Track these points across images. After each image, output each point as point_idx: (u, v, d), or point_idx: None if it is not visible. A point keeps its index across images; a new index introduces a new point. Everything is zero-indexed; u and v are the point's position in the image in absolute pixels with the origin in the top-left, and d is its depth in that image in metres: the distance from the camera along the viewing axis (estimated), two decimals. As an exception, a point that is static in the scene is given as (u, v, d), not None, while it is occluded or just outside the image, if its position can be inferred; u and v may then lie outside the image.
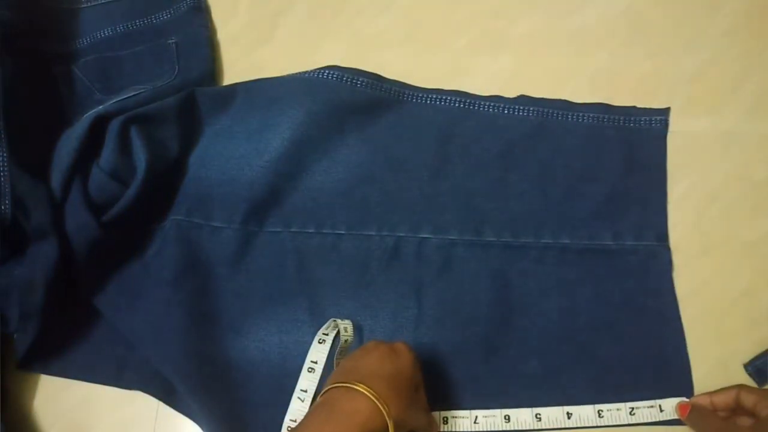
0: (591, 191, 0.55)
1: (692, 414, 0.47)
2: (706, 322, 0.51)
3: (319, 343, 0.49)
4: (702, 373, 0.50)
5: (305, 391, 0.48)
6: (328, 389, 0.41)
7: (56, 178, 0.53)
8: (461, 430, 0.50)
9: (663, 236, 0.54)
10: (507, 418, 0.50)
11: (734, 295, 0.52)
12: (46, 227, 0.51)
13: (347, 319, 0.51)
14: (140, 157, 0.54)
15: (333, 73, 0.56)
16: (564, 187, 0.55)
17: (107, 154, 0.54)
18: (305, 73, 0.58)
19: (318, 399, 0.42)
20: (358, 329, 0.54)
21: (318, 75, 0.57)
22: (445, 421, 0.50)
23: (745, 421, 0.45)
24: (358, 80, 0.57)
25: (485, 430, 0.50)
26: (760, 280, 0.52)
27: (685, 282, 0.53)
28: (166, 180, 0.57)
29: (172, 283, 0.54)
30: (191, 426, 0.54)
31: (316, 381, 0.48)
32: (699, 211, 0.54)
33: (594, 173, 0.55)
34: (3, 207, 0.51)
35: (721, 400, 0.47)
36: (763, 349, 0.50)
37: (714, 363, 0.50)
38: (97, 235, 0.53)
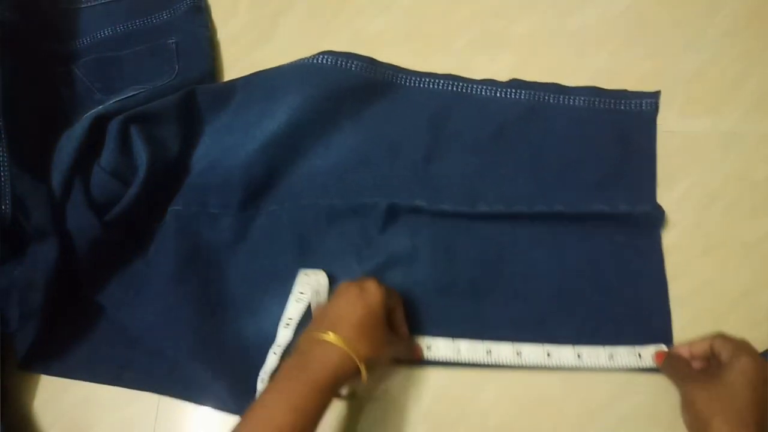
0: (582, 173, 0.56)
1: (667, 361, 0.49)
2: (706, 322, 0.51)
3: (297, 302, 0.52)
4: (702, 373, 0.50)
5: (279, 346, 0.51)
6: (301, 339, 0.44)
7: (57, 179, 0.53)
8: (444, 357, 0.52)
9: (656, 207, 0.54)
10: (489, 352, 0.51)
11: (734, 295, 0.52)
12: (46, 227, 0.51)
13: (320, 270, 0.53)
14: (141, 155, 0.54)
15: (327, 58, 0.56)
16: (556, 168, 0.56)
17: (108, 154, 0.54)
18: (300, 60, 0.58)
19: (293, 350, 0.44)
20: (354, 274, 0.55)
21: (313, 61, 0.57)
22: (429, 348, 0.52)
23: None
24: (353, 64, 0.57)
25: (467, 360, 0.51)
26: (760, 280, 0.52)
27: (685, 282, 0.53)
28: (168, 178, 0.58)
29: (177, 275, 0.54)
30: (191, 426, 0.54)
31: (290, 335, 0.51)
32: (699, 211, 0.54)
33: (585, 155, 0.56)
34: (3, 207, 0.51)
35: (698, 348, 0.48)
36: (763, 349, 0.50)
37: (714, 363, 0.50)
38: (100, 234, 0.53)
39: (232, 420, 0.53)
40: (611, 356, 0.50)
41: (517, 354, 0.51)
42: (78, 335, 0.56)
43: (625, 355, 0.50)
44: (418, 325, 0.53)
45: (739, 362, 0.44)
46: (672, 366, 0.48)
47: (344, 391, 0.48)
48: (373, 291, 0.46)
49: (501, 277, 0.54)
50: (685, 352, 0.49)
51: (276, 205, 0.58)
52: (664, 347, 0.50)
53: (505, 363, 0.51)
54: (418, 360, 0.52)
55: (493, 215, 0.55)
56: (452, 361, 0.51)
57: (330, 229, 0.57)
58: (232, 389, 0.51)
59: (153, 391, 0.55)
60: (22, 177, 0.51)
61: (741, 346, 0.46)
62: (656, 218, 0.54)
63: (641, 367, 0.50)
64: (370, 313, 0.45)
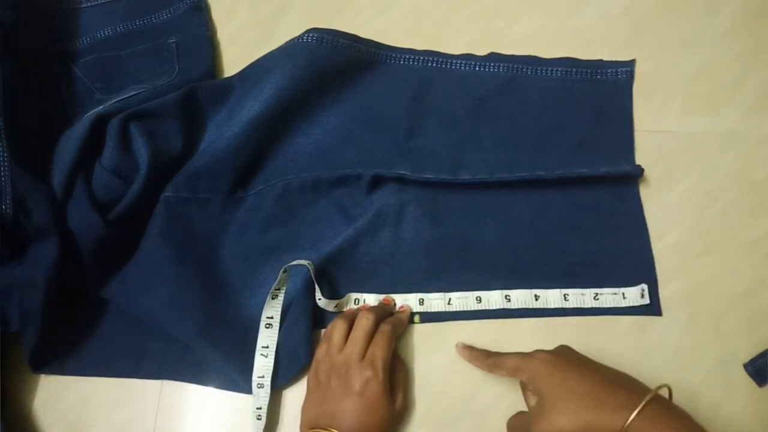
0: (562, 139, 0.57)
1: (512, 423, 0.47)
2: (706, 322, 0.51)
3: (273, 298, 0.53)
4: (702, 373, 0.50)
5: (267, 347, 0.52)
6: None
7: (58, 178, 0.53)
8: (436, 310, 0.53)
9: (635, 166, 0.55)
10: (478, 299, 0.53)
11: (734, 295, 0.52)
12: (47, 227, 0.51)
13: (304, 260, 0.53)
14: (141, 153, 0.54)
15: (313, 36, 0.57)
16: (535, 137, 0.58)
17: (109, 152, 0.54)
18: (288, 41, 0.58)
19: None
20: (350, 242, 0.56)
21: (299, 40, 0.57)
22: (421, 302, 0.54)
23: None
24: (338, 41, 0.58)
25: (458, 309, 0.53)
26: (760, 280, 0.52)
27: (685, 282, 0.53)
28: (172, 174, 0.58)
29: (176, 260, 0.54)
30: (191, 426, 0.54)
31: (275, 336, 0.52)
32: (699, 211, 0.54)
33: (564, 122, 0.58)
34: (4, 207, 0.51)
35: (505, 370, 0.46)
36: (763, 349, 0.50)
37: (714, 363, 0.50)
38: (104, 233, 0.53)
39: (230, 417, 0.53)
40: (596, 297, 0.52)
41: (506, 299, 0.53)
42: (91, 331, 0.56)
43: (609, 295, 0.52)
44: (408, 283, 0.54)
45: (534, 382, 0.42)
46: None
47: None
48: (374, 388, 0.46)
49: (487, 233, 0.56)
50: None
51: (263, 184, 0.59)
52: (645, 287, 0.52)
53: (494, 308, 0.53)
54: None
55: (475, 183, 0.56)
56: (444, 312, 0.53)
57: (316, 198, 0.58)
58: (241, 367, 0.52)
59: (168, 378, 0.55)
60: (22, 177, 0.51)
61: (519, 366, 0.44)
62: (635, 175, 0.55)
63: (625, 307, 0.52)
64: (374, 411, 0.46)
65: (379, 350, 0.47)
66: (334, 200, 0.58)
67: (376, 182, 0.57)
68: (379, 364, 0.47)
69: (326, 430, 0.45)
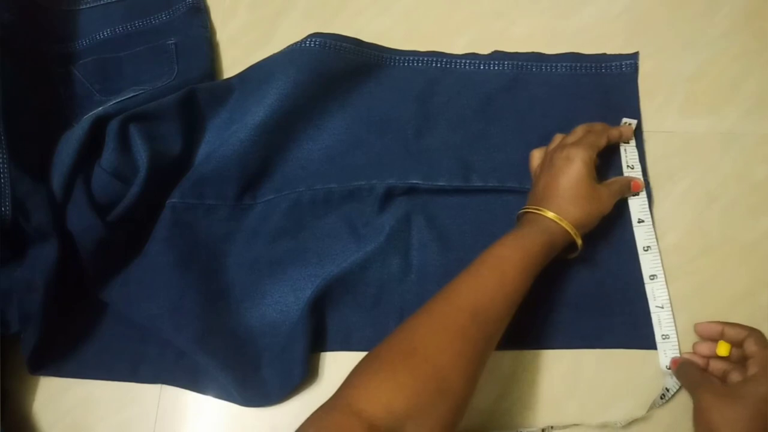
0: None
1: (681, 368, 0.48)
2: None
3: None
4: (702, 373, 0.50)
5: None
6: (525, 216, 0.49)
7: (57, 180, 0.53)
8: None
9: (642, 171, 0.55)
10: None
11: (734, 295, 0.52)
12: (46, 229, 0.51)
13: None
14: (141, 155, 0.54)
15: (315, 41, 0.56)
16: (543, 135, 0.57)
17: (108, 154, 0.54)
18: (290, 45, 0.58)
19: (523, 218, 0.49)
20: (360, 264, 0.55)
21: (301, 45, 0.57)
22: None
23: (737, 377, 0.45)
24: (341, 45, 0.58)
25: None
26: (759, 280, 0.52)
27: (685, 282, 0.53)
28: (172, 175, 0.58)
29: (178, 267, 0.54)
30: (191, 426, 0.54)
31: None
32: (699, 211, 0.54)
33: (571, 120, 0.57)
34: (3, 208, 0.51)
35: (731, 333, 0.47)
36: (763, 350, 0.50)
37: (714, 363, 0.50)
38: (103, 234, 0.53)
39: (230, 419, 0.53)
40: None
41: None
42: (89, 334, 0.56)
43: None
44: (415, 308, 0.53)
45: (764, 387, 0.42)
46: (685, 373, 0.47)
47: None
48: (577, 157, 0.49)
49: None
50: (717, 329, 0.48)
51: (273, 194, 0.58)
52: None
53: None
54: (635, 192, 0.54)
55: (487, 190, 0.56)
56: None
57: (327, 212, 0.57)
58: (237, 379, 0.52)
59: (165, 383, 0.55)
60: (22, 178, 0.51)
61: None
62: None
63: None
64: (578, 182, 0.48)
65: (592, 137, 0.51)
66: (344, 216, 0.57)
67: (388, 196, 0.56)
68: (583, 146, 0.49)
69: (537, 208, 0.48)
